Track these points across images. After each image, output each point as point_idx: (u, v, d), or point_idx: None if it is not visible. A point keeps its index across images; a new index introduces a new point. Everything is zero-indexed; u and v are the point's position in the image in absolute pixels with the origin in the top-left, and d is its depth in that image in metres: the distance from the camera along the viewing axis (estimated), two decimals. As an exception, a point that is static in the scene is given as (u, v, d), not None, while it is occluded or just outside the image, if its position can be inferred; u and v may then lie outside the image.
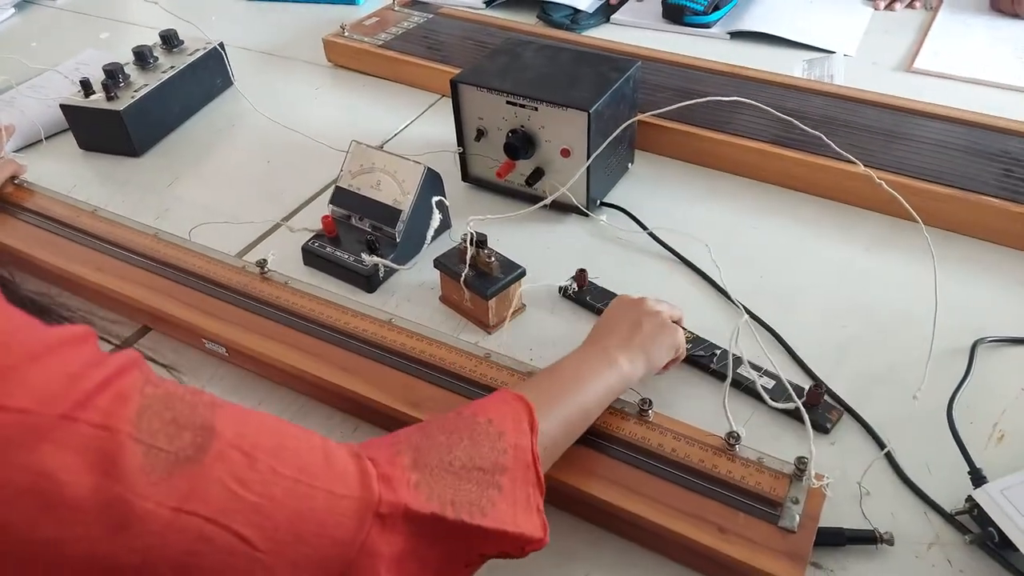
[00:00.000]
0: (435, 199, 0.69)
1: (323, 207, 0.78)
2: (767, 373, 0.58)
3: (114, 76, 0.91)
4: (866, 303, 0.67)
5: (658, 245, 0.74)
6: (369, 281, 0.71)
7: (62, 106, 0.91)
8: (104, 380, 0.32)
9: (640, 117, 0.73)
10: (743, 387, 0.58)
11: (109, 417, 0.31)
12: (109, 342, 0.47)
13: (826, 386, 0.59)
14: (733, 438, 0.50)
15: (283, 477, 0.35)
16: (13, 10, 1.35)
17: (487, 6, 1.22)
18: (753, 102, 0.57)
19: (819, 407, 0.57)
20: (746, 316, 0.49)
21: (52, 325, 0.33)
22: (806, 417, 0.48)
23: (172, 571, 0.32)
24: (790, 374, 0.60)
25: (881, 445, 0.55)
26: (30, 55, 1.16)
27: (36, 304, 0.39)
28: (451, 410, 0.45)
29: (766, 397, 0.52)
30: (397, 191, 0.73)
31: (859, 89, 0.90)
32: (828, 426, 0.56)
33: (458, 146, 0.82)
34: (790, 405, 0.49)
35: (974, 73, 0.98)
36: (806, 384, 0.58)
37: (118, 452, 0.30)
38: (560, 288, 0.69)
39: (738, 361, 0.56)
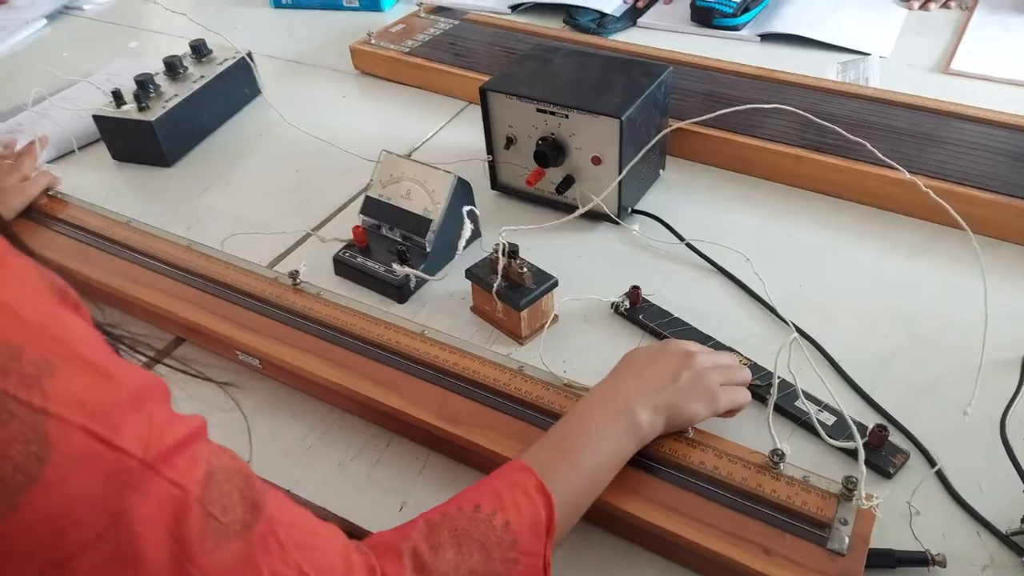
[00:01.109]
0: (466, 209, 0.68)
1: (353, 216, 0.77)
2: (827, 408, 0.56)
3: (145, 87, 0.92)
4: (909, 312, 0.66)
5: (693, 254, 0.73)
6: (400, 291, 0.71)
7: (95, 117, 0.92)
8: (184, 439, 0.32)
9: (680, 125, 0.70)
10: (800, 421, 0.56)
11: (185, 477, 0.31)
12: (144, 355, 0.47)
13: (898, 424, 0.56)
14: (777, 456, 0.49)
15: (309, 570, 0.35)
16: (45, 21, 1.37)
17: (513, 11, 1.22)
18: (795, 109, 0.56)
19: (883, 449, 0.53)
20: (795, 334, 0.48)
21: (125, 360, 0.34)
22: (861, 453, 0.46)
23: None
24: (838, 394, 0.57)
25: (931, 462, 0.53)
26: (61, 65, 1.18)
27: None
28: (467, 489, 0.44)
29: (823, 434, 0.49)
30: (427, 201, 0.72)
31: (895, 92, 0.88)
32: (891, 471, 0.53)
33: (487, 154, 0.81)
34: (851, 445, 0.46)
35: (1013, 74, 0.95)
36: (849, 402, 0.57)
37: (186, 513, 0.31)
38: (612, 304, 0.67)
39: (790, 390, 0.53)
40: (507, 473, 0.46)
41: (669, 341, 0.56)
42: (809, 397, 0.54)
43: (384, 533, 0.43)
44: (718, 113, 0.57)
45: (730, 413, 0.53)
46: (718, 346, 0.62)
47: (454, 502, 0.44)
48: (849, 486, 0.47)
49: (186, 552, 0.31)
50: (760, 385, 0.58)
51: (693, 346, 0.55)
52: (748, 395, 0.55)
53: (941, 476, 0.53)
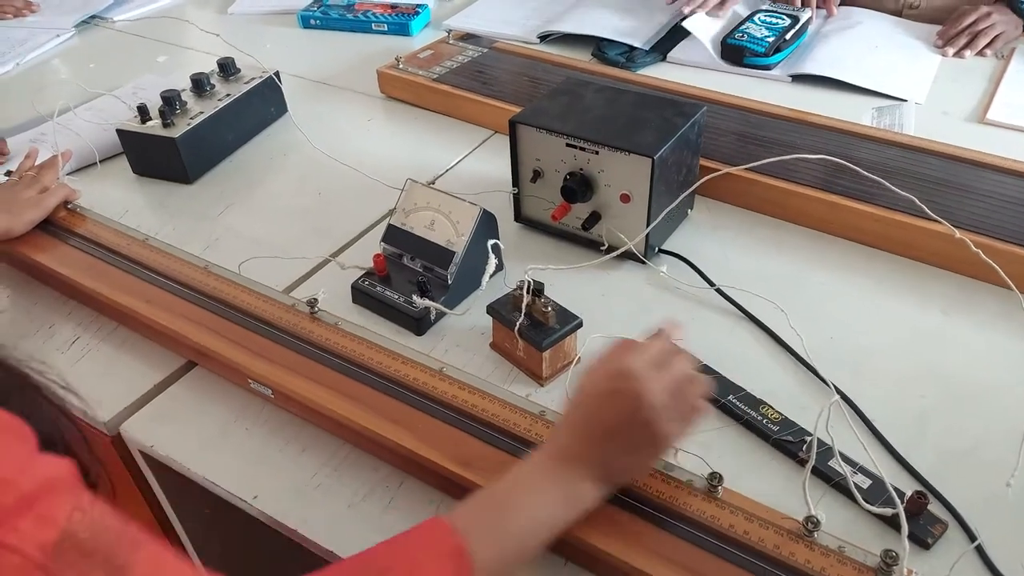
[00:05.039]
0: (491, 242, 0.66)
1: (373, 243, 0.76)
2: (862, 470, 0.53)
3: (171, 103, 0.91)
4: (946, 371, 0.63)
5: (721, 299, 0.71)
6: (419, 324, 0.69)
7: (118, 131, 0.91)
8: (30, 494, 0.29)
9: (728, 170, 0.67)
10: (833, 482, 0.53)
11: (25, 541, 0.28)
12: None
13: (935, 492, 0.53)
14: (812, 523, 0.47)
15: None
16: (73, 31, 1.38)
17: (541, 41, 1.21)
18: (841, 160, 0.54)
19: (921, 518, 0.50)
20: (837, 397, 0.45)
21: None
22: (904, 528, 0.43)
23: None
24: (875, 459, 0.55)
25: (971, 536, 0.50)
26: (88, 77, 1.18)
27: None
28: (380, 546, 0.41)
29: (859, 498, 0.47)
30: (451, 232, 0.71)
31: (931, 140, 0.86)
32: (930, 541, 0.50)
33: (513, 186, 0.80)
34: (888, 511, 0.44)
35: (1052, 126, 0.94)
36: (885, 466, 0.54)
37: None
38: None
39: (824, 448, 0.51)
40: (429, 534, 0.42)
41: (619, 364, 0.48)
42: (844, 458, 0.52)
43: None
44: (765, 161, 0.56)
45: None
46: (748, 397, 0.60)
47: (364, 560, 0.41)
48: (888, 560, 0.44)
49: None
50: (792, 442, 0.56)
51: (642, 371, 0.47)
52: (705, 409, 0.49)
53: (981, 551, 0.50)
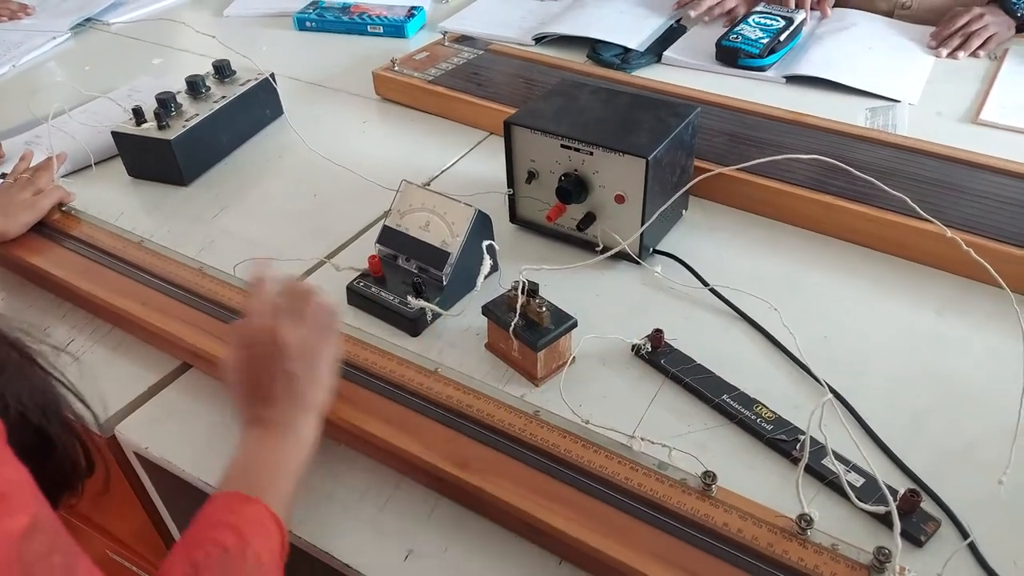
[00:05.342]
0: (485, 243, 0.67)
1: (368, 244, 0.76)
2: (856, 468, 0.53)
3: (166, 105, 0.91)
4: (941, 371, 0.63)
5: (716, 299, 0.71)
6: (414, 325, 0.69)
7: (113, 133, 0.91)
8: (6, 487, 0.30)
9: (720, 171, 0.65)
10: (826, 481, 0.53)
11: None
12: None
13: (928, 490, 0.53)
14: (805, 521, 0.47)
15: None
16: (69, 34, 1.38)
17: (536, 43, 1.21)
18: (833, 160, 0.54)
19: (914, 515, 0.51)
20: (830, 395, 0.46)
21: None
22: (897, 526, 0.44)
23: None
24: (868, 457, 0.55)
25: (964, 534, 0.50)
26: (83, 79, 1.18)
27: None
28: (195, 531, 0.44)
29: (852, 496, 0.47)
30: (446, 233, 0.71)
31: (925, 140, 0.86)
32: (923, 538, 0.50)
33: (508, 187, 0.80)
34: (880, 509, 0.44)
35: (1044, 127, 0.94)
36: (878, 464, 0.54)
37: None
38: (633, 347, 0.65)
39: (818, 447, 0.51)
40: (234, 506, 0.46)
41: (237, 341, 0.55)
42: (837, 456, 0.52)
43: None
44: (757, 162, 0.56)
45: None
46: (742, 397, 0.60)
47: (197, 548, 0.43)
48: (881, 557, 0.45)
49: None
50: (786, 441, 0.56)
51: (257, 321, 0.55)
52: (331, 309, 0.56)
53: (974, 548, 0.50)
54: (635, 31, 1.19)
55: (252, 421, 0.52)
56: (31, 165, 0.87)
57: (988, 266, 0.50)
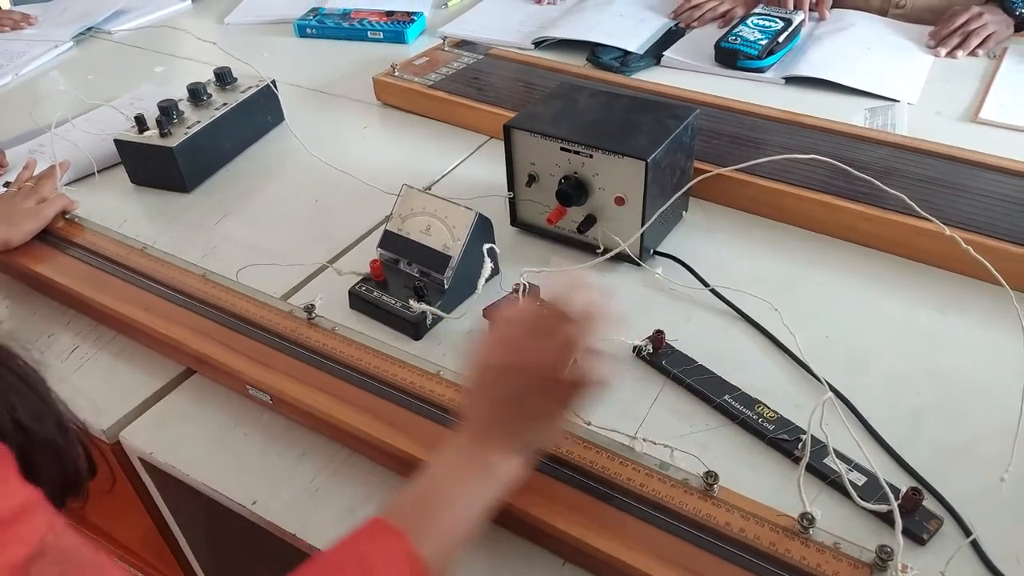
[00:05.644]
0: (486, 246, 0.67)
1: (370, 249, 0.76)
2: (857, 467, 0.53)
3: (168, 112, 0.92)
4: (942, 369, 0.63)
5: (717, 300, 0.71)
6: (416, 328, 0.69)
7: (116, 141, 0.92)
8: (8, 516, 0.29)
9: (719, 171, 0.65)
10: (828, 480, 0.53)
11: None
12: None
13: (930, 488, 0.53)
14: (807, 520, 0.47)
15: None
16: (71, 43, 1.38)
17: (536, 47, 1.22)
18: (831, 160, 0.54)
19: (916, 514, 0.51)
20: (830, 394, 0.46)
21: None
22: (898, 523, 0.44)
23: None
24: (870, 456, 0.55)
25: (966, 531, 0.50)
26: (86, 88, 1.19)
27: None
28: (330, 552, 0.41)
29: (854, 495, 0.47)
30: (447, 237, 0.71)
31: (924, 140, 0.87)
32: (925, 537, 0.50)
33: (508, 190, 0.80)
34: (883, 507, 0.44)
35: (1043, 125, 0.94)
36: (880, 463, 0.54)
37: None
38: (634, 348, 0.65)
39: (820, 446, 0.51)
40: (374, 537, 0.42)
41: (489, 336, 0.49)
42: (839, 455, 0.52)
43: None
44: (755, 162, 0.56)
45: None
46: (743, 397, 0.60)
47: (317, 567, 0.41)
48: (883, 555, 0.45)
49: None
50: (788, 440, 0.56)
51: (526, 341, 0.47)
52: (595, 370, 0.48)
53: (976, 546, 0.50)
54: (634, 34, 1.19)
55: (466, 434, 0.48)
56: (35, 174, 0.88)
57: (987, 264, 0.50)
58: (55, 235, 0.80)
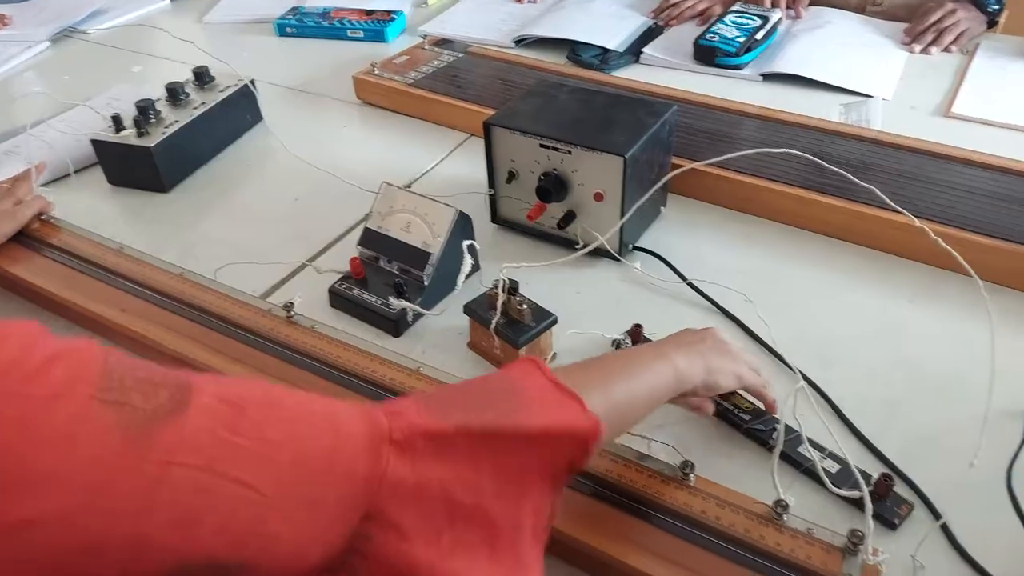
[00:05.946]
0: (466, 243, 0.67)
1: (350, 247, 0.77)
2: (831, 455, 0.54)
3: (145, 112, 0.91)
4: (913, 359, 0.64)
5: (695, 293, 0.72)
6: (396, 325, 0.69)
7: (93, 141, 0.91)
8: (53, 354, 0.30)
9: (692, 166, 0.66)
10: (802, 468, 0.54)
11: (65, 386, 0.29)
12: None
13: (901, 474, 0.54)
14: (781, 507, 0.48)
15: (280, 420, 0.33)
16: (47, 43, 1.37)
17: (516, 45, 1.22)
18: (805, 154, 0.55)
19: (887, 499, 0.52)
20: (803, 382, 0.47)
21: None
22: (868, 508, 0.45)
23: (173, 529, 0.30)
24: (840, 441, 0.56)
25: (936, 515, 0.52)
26: (62, 88, 1.18)
27: None
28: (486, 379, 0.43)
29: (828, 482, 0.48)
30: (427, 234, 0.71)
31: (898, 134, 0.88)
32: (896, 521, 0.51)
33: (489, 187, 0.81)
34: (855, 494, 0.46)
35: (1014, 119, 0.96)
36: (852, 450, 0.55)
37: (82, 417, 0.29)
38: (613, 342, 0.66)
39: (794, 435, 0.52)
40: (548, 394, 0.41)
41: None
42: (812, 444, 0.53)
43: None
44: (728, 156, 0.57)
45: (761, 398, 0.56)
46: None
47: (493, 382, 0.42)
48: (855, 540, 0.46)
49: (104, 448, 0.29)
50: (763, 430, 0.57)
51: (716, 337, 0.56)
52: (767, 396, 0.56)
53: (946, 529, 0.51)
54: (614, 32, 1.20)
55: (646, 346, 0.54)
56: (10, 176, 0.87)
57: (956, 254, 0.51)
58: (31, 236, 0.80)
